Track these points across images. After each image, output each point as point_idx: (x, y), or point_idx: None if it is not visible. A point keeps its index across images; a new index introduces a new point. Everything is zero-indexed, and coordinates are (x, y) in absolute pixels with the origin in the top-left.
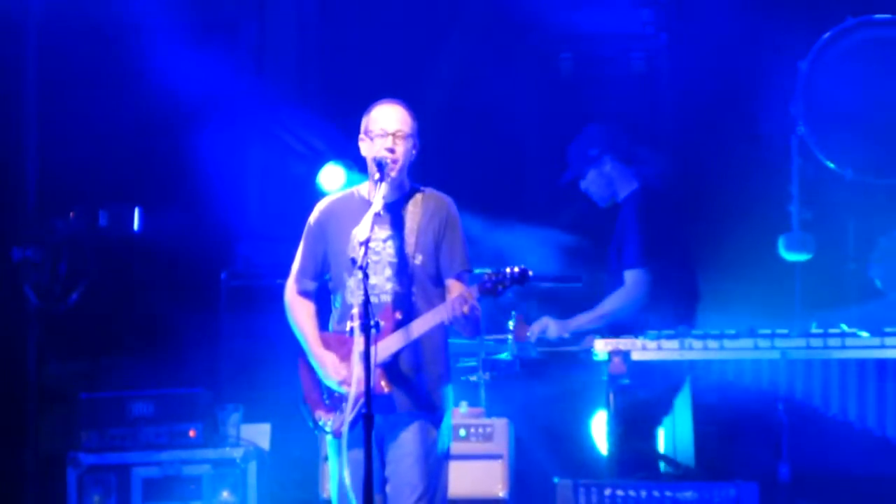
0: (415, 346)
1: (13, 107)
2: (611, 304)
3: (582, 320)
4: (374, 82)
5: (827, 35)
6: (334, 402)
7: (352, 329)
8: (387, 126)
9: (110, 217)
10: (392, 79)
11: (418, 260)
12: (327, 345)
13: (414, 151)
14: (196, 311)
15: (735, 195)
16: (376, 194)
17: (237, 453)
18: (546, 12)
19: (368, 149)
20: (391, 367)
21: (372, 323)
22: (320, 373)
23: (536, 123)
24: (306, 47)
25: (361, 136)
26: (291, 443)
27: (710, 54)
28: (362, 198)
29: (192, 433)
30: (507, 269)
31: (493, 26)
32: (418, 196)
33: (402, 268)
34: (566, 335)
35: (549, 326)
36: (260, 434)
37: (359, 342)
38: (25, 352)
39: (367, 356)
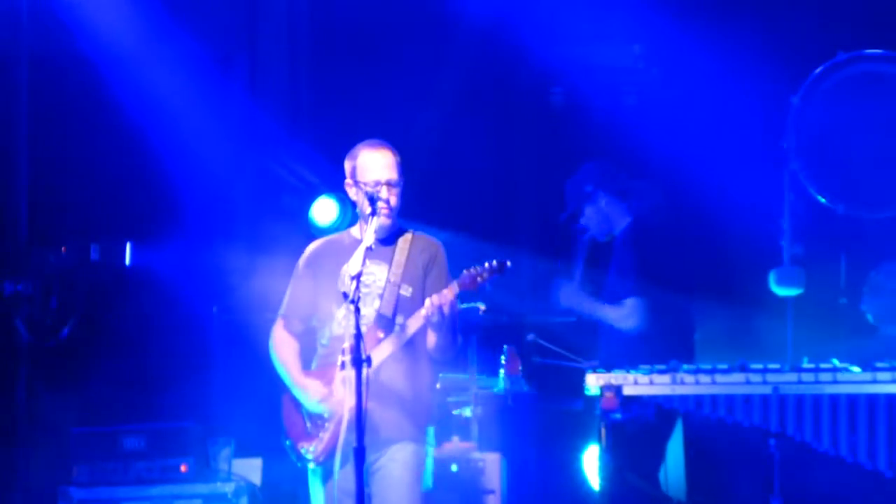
0: (405, 378)
1: (4, 140)
2: (612, 312)
3: (587, 306)
4: (366, 116)
5: (819, 70)
6: (316, 428)
7: (343, 363)
8: (378, 176)
9: (102, 251)
10: (384, 112)
11: (406, 291)
12: (309, 376)
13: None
14: (187, 345)
15: (726, 229)
16: (368, 228)
17: (228, 488)
18: (538, 47)
19: (357, 194)
20: (380, 394)
21: (364, 357)
22: (302, 398)
23: (528, 157)
24: (298, 80)
25: (348, 180)
26: (283, 477)
27: (701, 89)
28: (353, 238)
29: (183, 468)
30: (486, 263)
31: (485, 60)
32: (408, 235)
33: (390, 297)
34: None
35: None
36: (251, 469)
37: (347, 372)
38: (16, 386)
39: (358, 391)
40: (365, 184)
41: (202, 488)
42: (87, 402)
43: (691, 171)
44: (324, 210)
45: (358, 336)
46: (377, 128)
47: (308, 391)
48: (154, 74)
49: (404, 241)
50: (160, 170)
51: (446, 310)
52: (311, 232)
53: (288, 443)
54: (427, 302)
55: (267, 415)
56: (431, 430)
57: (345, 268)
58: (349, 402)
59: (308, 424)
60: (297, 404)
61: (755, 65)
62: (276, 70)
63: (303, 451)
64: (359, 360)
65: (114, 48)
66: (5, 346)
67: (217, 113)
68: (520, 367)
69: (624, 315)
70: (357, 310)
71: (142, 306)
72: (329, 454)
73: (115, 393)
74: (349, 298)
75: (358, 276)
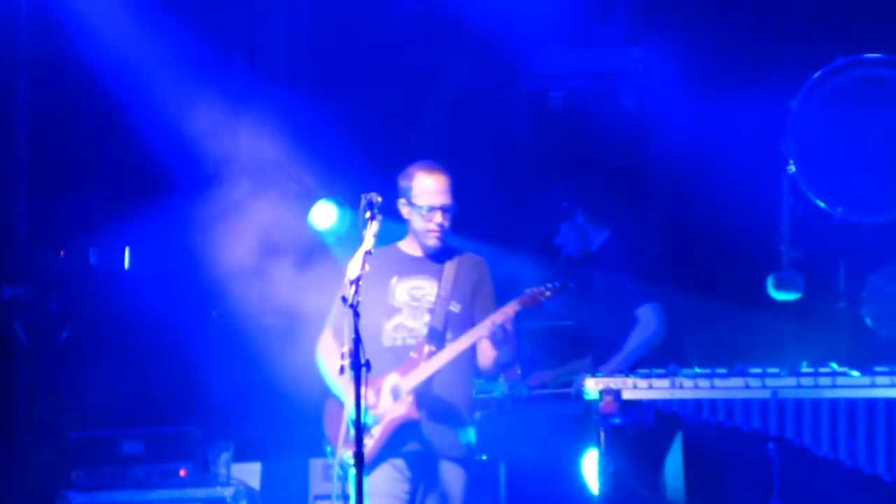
0: (453, 390)
1: (3, 143)
2: (634, 342)
3: (612, 365)
4: (366, 121)
5: (817, 74)
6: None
7: (342, 368)
8: (433, 201)
9: (100, 255)
10: (385, 118)
11: (454, 307)
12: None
13: None
14: (186, 350)
15: (725, 234)
16: (367, 231)
17: (227, 492)
18: (537, 50)
19: (409, 213)
20: (431, 405)
21: (363, 362)
22: (347, 404)
23: (527, 161)
24: (298, 86)
25: (402, 200)
26: (282, 482)
27: (700, 93)
28: (403, 252)
29: (182, 472)
30: (548, 283)
31: (486, 64)
32: (455, 254)
33: (439, 313)
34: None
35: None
36: (250, 473)
37: (394, 377)
38: (15, 390)
39: (357, 396)
40: (420, 207)
41: (201, 493)
42: (86, 407)
43: (690, 176)
44: (323, 214)
45: (357, 340)
46: (377, 128)
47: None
48: (153, 76)
49: (452, 259)
50: (159, 172)
51: (509, 327)
52: (310, 235)
53: (329, 449)
54: (488, 321)
55: (266, 419)
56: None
57: (393, 280)
58: (397, 410)
59: (349, 432)
60: (338, 411)
61: (754, 69)
62: (275, 71)
63: (346, 457)
64: (358, 365)
65: (113, 50)
66: (4, 350)
67: (215, 115)
68: (518, 372)
69: (644, 332)
70: (356, 314)
71: (140, 310)
72: (373, 460)
73: (113, 397)
74: (347, 303)
75: (357, 281)
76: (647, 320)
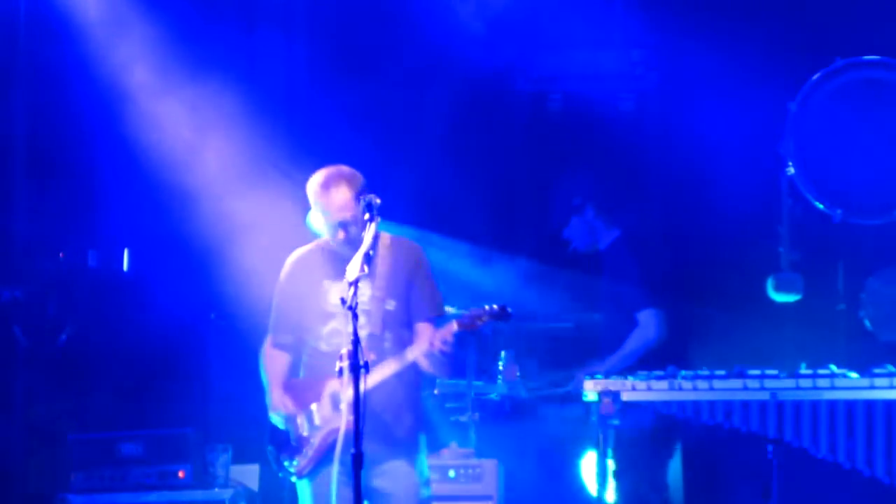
0: (390, 393)
1: (2, 145)
2: (632, 344)
3: (607, 366)
4: (364, 123)
5: (816, 76)
6: (300, 443)
7: (341, 370)
8: (333, 217)
9: (99, 257)
10: (382, 119)
11: (390, 305)
12: (292, 390)
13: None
14: (185, 352)
15: (724, 236)
16: (366, 233)
17: (226, 494)
18: (536, 52)
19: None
20: (371, 414)
21: (362, 362)
22: (271, 414)
23: (525, 162)
24: (296, 90)
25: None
26: (280, 484)
27: (700, 95)
28: (329, 248)
29: (181, 474)
30: (486, 306)
31: (484, 66)
32: (386, 240)
33: (376, 314)
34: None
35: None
36: (249, 475)
37: (335, 384)
38: (13, 392)
39: (356, 396)
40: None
41: (200, 495)
42: (85, 409)
43: (689, 177)
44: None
45: (356, 342)
46: (376, 131)
47: (276, 405)
48: (153, 76)
49: (384, 249)
50: (158, 175)
51: (446, 349)
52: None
53: (270, 449)
54: (424, 343)
55: (264, 421)
56: (423, 439)
57: (325, 281)
58: (338, 419)
59: (292, 439)
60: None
61: (753, 70)
62: (274, 76)
63: (285, 463)
64: (356, 367)
65: (112, 52)
66: (3, 353)
67: (214, 119)
68: (517, 373)
69: (643, 335)
70: (355, 316)
71: (139, 313)
72: (313, 468)
73: (112, 399)
74: (346, 304)
75: (355, 283)
76: (647, 325)
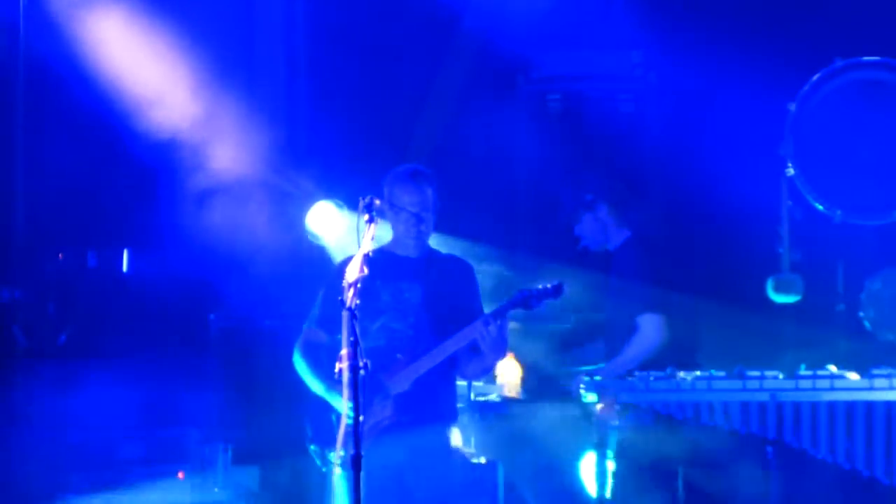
0: (432, 393)
1: (1, 147)
2: (632, 350)
3: (606, 371)
4: (364, 124)
5: (816, 77)
6: (345, 435)
7: (339, 371)
8: (413, 207)
9: (99, 258)
10: (382, 121)
11: (439, 310)
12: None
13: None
14: (185, 352)
15: (724, 236)
16: (365, 235)
17: (226, 494)
18: (535, 53)
19: (392, 218)
20: (416, 408)
21: (360, 364)
22: (337, 405)
23: (525, 164)
24: (297, 86)
25: (385, 204)
26: (280, 484)
27: (699, 96)
28: (389, 253)
29: (181, 475)
30: (540, 284)
31: (483, 67)
32: (440, 256)
33: (424, 315)
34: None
35: None
36: (249, 476)
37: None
38: (13, 392)
39: (354, 398)
40: (401, 210)
41: (199, 495)
42: (85, 409)
43: (689, 178)
44: (321, 216)
45: (354, 343)
46: (375, 131)
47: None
48: (153, 76)
49: (439, 263)
50: (157, 176)
51: (494, 332)
52: (309, 238)
53: (313, 447)
54: (478, 324)
55: (264, 422)
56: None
57: (378, 282)
58: (382, 412)
59: (336, 431)
60: (326, 410)
61: (752, 71)
62: (275, 77)
63: (331, 456)
64: (355, 368)
65: (111, 55)
66: (2, 353)
67: (213, 122)
68: (517, 374)
69: (643, 340)
70: (353, 317)
71: (139, 313)
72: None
73: (112, 400)
74: (346, 306)
75: (355, 284)
76: (647, 330)
